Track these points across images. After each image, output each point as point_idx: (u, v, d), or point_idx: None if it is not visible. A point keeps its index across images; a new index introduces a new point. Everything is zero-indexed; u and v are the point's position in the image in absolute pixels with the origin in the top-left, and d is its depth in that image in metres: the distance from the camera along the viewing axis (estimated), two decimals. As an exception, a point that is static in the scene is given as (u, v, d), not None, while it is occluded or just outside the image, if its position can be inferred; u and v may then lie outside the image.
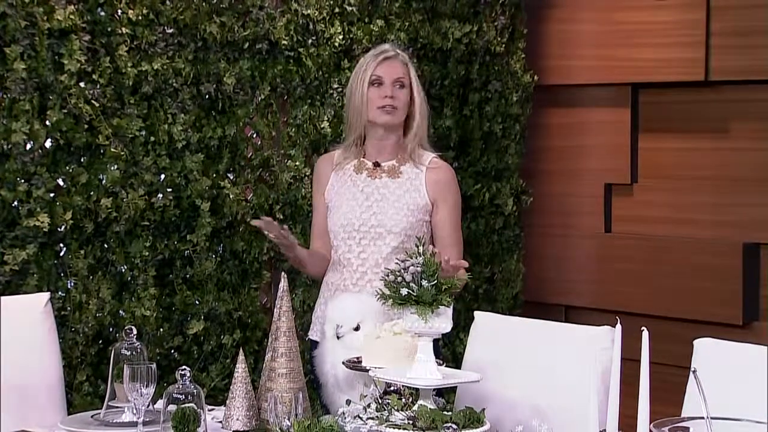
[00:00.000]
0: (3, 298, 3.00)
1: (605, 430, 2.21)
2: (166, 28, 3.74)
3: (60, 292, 3.56)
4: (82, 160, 3.61)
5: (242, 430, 2.62)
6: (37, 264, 3.48)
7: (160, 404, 2.60)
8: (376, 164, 3.36)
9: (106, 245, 3.67)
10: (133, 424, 2.64)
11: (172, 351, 3.85)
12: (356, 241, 3.31)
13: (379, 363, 2.66)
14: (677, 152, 4.58)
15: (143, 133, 3.71)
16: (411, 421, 2.41)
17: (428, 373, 2.53)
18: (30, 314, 3.04)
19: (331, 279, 3.38)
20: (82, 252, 3.59)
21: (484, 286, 4.78)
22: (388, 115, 3.30)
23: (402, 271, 2.55)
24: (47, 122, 3.48)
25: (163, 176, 3.78)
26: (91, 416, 2.85)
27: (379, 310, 2.83)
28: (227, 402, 2.67)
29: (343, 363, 2.77)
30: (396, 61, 3.32)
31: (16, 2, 3.37)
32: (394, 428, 2.39)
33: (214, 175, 3.90)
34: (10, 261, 3.40)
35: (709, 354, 2.62)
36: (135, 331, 2.86)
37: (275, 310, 2.74)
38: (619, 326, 2.23)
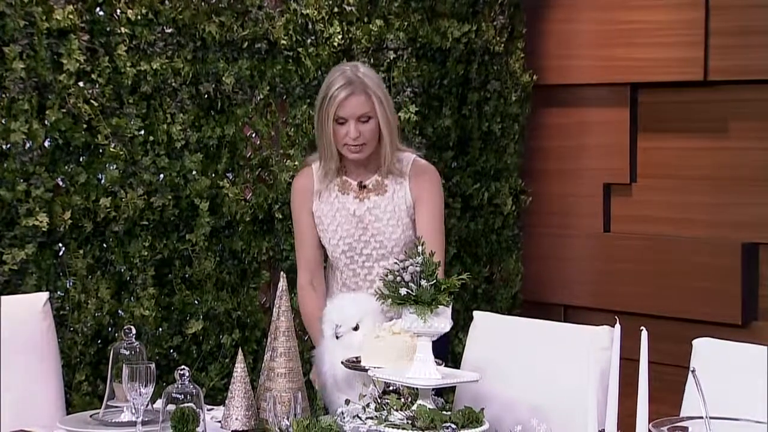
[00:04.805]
0: (2, 297, 2.99)
1: (604, 429, 2.21)
2: (165, 27, 3.74)
3: (59, 292, 3.56)
4: (81, 159, 3.61)
5: (241, 429, 2.62)
6: (36, 264, 3.48)
7: (159, 404, 2.60)
8: (362, 186, 3.31)
9: (105, 245, 3.67)
10: (132, 424, 2.64)
11: (171, 350, 3.85)
12: (359, 264, 3.29)
13: (378, 363, 2.66)
14: (676, 152, 4.58)
15: (142, 132, 3.71)
16: (410, 421, 2.41)
17: (427, 372, 2.53)
18: (29, 314, 3.03)
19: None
20: (81, 252, 3.59)
21: (483, 286, 4.78)
22: (356, 154, 3.23)
23: (401, 270, 2.55)
24: (46, 122, 3.48)
25: (162, 176, 3.78)
26: (90, 416, 2.85)
27: (377, 310, 2.83)
28: (226, 402, 2.67)
29: (342, 363, 2.77)
30: (359, 94, 3.19)
31: (15, 2, 3.37)
32: (393, 428, 2.39)
33: (213, 175, 3.90)
34: (9, 261, 3.40)
35: (708, 354, 2.62)
36: (134, 331, 2.85)
37: (274, 309, 2.74)
38: (618, 326, 2.23)
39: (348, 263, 3.29)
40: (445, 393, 2.85)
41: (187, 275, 3.87)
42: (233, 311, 3.98)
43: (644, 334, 2.16)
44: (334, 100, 3.18)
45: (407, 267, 2.54)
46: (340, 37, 4.18)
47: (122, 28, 3.64)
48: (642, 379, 2.16)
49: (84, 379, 3.59)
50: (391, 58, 4.34)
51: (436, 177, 3.35)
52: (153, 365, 2.59)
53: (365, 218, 3.28)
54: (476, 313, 3.10)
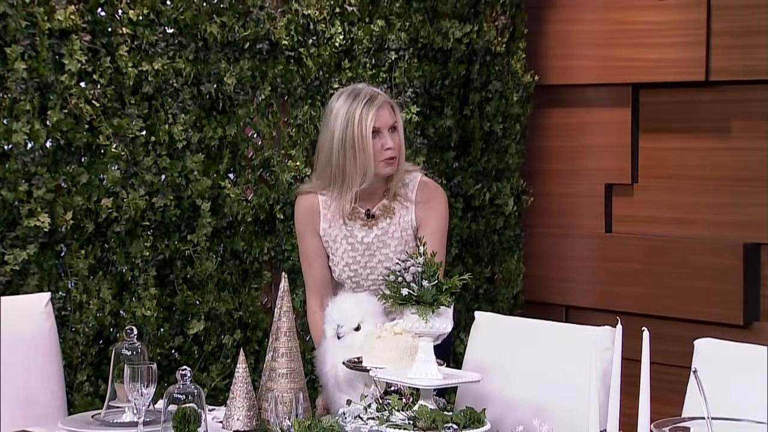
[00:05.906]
0: (3, 298, 3.00)
1: (606, 430, 2.21)
2: (166, 28, 3.75)
3: (60, 292, 3.56)
4: (82, 160, 3.61)
5: (243, 430, 2.62)
6: (38, 264, 3.48)
7: (160, 404, 2.59)
8: (369, 215, 3.25)
9: (106, 245, 3.67)
10: (134, 424, 2.64)
11: (173, 351, 3.85)
12: (365, 288, 3.26)
13: (379, 363, 2.66)
14: (678, 152, 4.58)
15: (144, 133, 3.72)
16: (411, 421, 2.41)
17: (429, 373, 2.53)
18: (30, 314, 3.03)
19: None
20: (83, 252, 3.59)
21: (484, 286, 4.78)
22: (391, 167, 3.18)
23: (402, 271, 2.55)
24: (48, 122, 3.48)
25: (163, 176, 3.78)
26: (92, 416, 2.85)
27: (379, 310, 2.83)
28: (228, 402, 2.68)
29: (343, 363, 2.77)
30: (386, 105, 3.18)
31: (16, 2, 3.37)
32: (394, 428, 2.39)
33: (215, 175, 3.90)
34: (11, 261, 3.40)
35: (710, 354, 2.61)
36: (135, 331, 2.85)
37: (276, 310, 2.74)
38: (619, 326, 2.23)
39: (354, 286, 3.28)
40: (446, 393, 2.86)
41: (188, 276, 3.87)
42: (235, 312, 3.98)
43: (646, 334, 2.16)
44: (368, 114, 3.13)
45: (409, 267, 2.55)
46: (341, 37, 4.18)
47: (124, 29, 3.64)
48: (644, 379, 2.16)
49: (85, 380, 3.59)
50: (393, 58, 4.34)
51: (442, 201, 3.29)
52: (154, 365, 2.59)
53: (373, 245, 3.25)
54: (478, 314, 3.10)
